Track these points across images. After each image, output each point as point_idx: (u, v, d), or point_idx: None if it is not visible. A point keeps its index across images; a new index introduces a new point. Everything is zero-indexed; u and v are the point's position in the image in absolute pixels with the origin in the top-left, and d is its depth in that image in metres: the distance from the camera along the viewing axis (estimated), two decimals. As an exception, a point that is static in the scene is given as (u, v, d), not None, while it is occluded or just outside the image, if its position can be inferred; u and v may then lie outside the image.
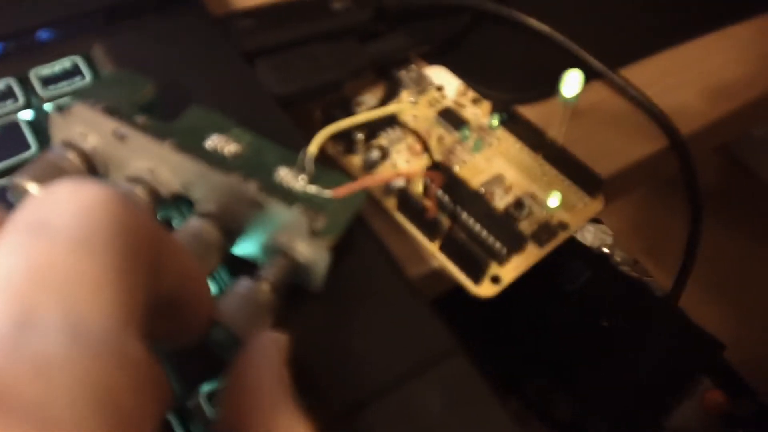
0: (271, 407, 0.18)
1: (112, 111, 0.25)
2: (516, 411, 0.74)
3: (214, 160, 0.25)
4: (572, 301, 0.80)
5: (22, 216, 0.15)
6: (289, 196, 0.25)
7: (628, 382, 0.51)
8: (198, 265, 0.19)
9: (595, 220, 0.91)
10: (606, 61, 0.39)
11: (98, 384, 0.13)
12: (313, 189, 0.25)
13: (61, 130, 0.25)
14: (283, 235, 0.24)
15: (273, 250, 0.24)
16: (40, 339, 0.13)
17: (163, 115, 0.27)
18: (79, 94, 0.26)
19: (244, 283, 0.23)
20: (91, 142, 0.25)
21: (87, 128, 0.25)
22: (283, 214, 0.23)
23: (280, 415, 0.18)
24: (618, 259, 0.89)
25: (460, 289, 0.31)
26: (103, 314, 0.14)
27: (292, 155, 0.26)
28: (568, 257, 0.83)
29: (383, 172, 0.33)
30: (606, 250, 0.90)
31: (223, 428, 0.19)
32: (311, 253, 0.24)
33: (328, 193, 0.25)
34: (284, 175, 0.26)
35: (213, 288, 0.26)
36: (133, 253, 0.15)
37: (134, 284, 0.15)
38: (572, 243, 0.86)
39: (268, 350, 0.20)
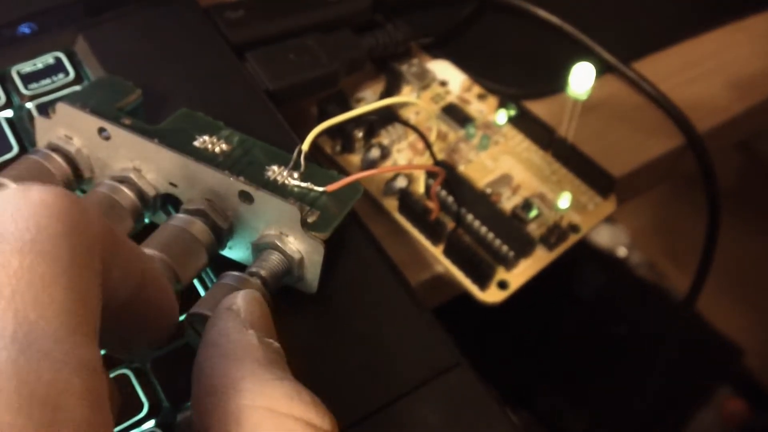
0: (221, 394, 0.16)
1: (97, 112, 0.25)
2: (527, 424, 0.72)
3: (203, 157, 0.25)
4: (585, 306, 0.79)
5: None
6: (280, 192, 0.24)
7: (642, 391, 0.50)
8: (158, 267, 0.19)
9: (610, 220, 0.90)
10: (619, 53, 0.38)
11: (46, 390, 0.13)
12: (305, 185, 0.25)
13: (45, 132, 0.25)
14: (274, 229, 0.23)
15: (263, 246, 0.23)
16: None
17: (149, 113, 0.27)
18: (63, 99, 0.26)
19: (231, 275, 0.22)
20: (75, 143, 0.25)
21: (72, 129, 0.25)
22: (273, 205, 0.23)
23: (233, 401, 0.16)
24: (634, 261, 0.87)
25: (467, 295, 0.30)
26: (53, 319, 0.14)
27: (283, 155, 0.26)
28: (581, 260, 0.82)
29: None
30: (621, 252, 0.88)
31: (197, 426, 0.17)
32: (304, 246, 0.23)
33: (320, 187, 0.25)
34: (275, 173, 0.25)
35: (201, 291, 0.25)
36: (83, 253, 0.15)
37: (85, 286, 0.15)
38: (585, 245, 0.85)
39: (220, 322, 0.18)
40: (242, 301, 0.19)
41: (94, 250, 0.16)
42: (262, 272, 0.22)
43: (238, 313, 0.19)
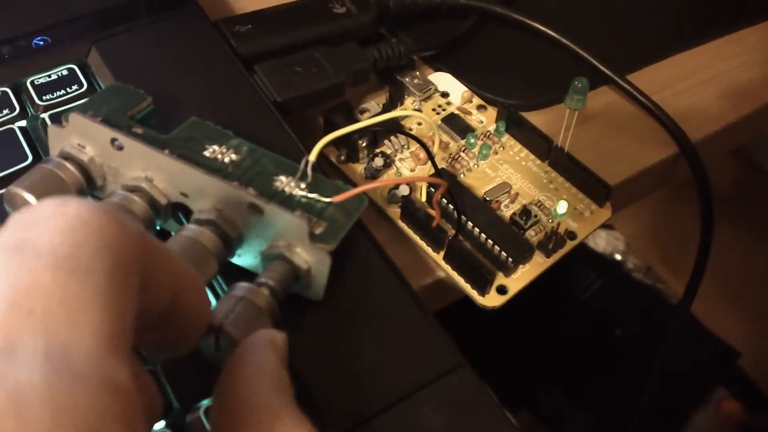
0: (268, 415, 0.18)
1: (109, 121, 0.25)
2: (527, 424, 0.73)
3: (213, 167, 0.25)
4: (584, 309, 0.80)
5: (4, 236, 0.15)
6: (288, 203, 0.25)
7: (640, 392, 0.51)
8: (195, 273, 0.19)
9: (608, 226, 0.90)
10: (616, 65, 0.39)
11: (80, 411, 0.13)
12: (312, 196, 0.25)
13: (59, 141, 0.26)
14: (283, 240, 0.24)
15: (272, 257, 0.24)
16: (20, 368, 0.13)
17: (160, 124, 0.28)
18: (76, 108, 0.27)
19: (242, 286, 0.23)
20: (88, 153, 0.25)
21: (84, 138, 0.25)
22: (282, 218, 0.23)
23: (278, 423, 0.17)
24: (631, 265, 0.88)
25: (468, 298, 0.30)
26: (87, 340, 0.14)
27: (291, 164, 0.26)
28: (580, 264, 0.83)
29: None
30: (618, 257, 0.89)
31: None
32: (311, 257, 0.24)
33: (327, 198, 0.25)
34: (283, 183, 0.26)
35: (211, 299, 0.26)
36: (120, 270, 0.15)
37: (122, 304, 0.15)
38: (584, 250, 0.86)
39: (263, 351, 0.19)
40: (281, 342, 0.20)
41: (132, 267, 0.15)
42: (271, 283, 0.23)
43: (277, 350, 0.19)
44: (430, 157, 0.31)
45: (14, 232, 0.15)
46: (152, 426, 0.18)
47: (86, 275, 0.14)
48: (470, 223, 0.31)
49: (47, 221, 0.15)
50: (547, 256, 0.31)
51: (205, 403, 0.23)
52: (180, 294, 0.18)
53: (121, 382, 0.14)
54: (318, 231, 0.24)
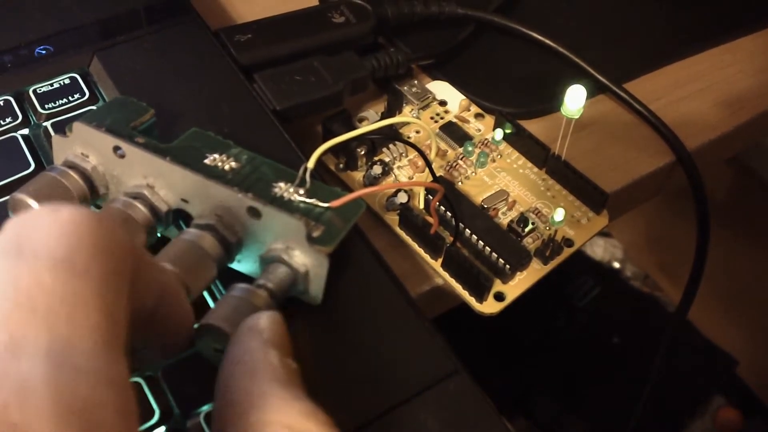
0: (245, 406, 0.18)
1: (112, 131, 0.25)
2: (525, 431, 0.73)
3: (214, 174, 0.25)
4: (582, 316, 0.80)
5: (1, 240, 0.15)
6: (286, 207, 0.25)
7: (637, 400, 0.51)
8: (176, 281, 0.19)
9: (605, 234, 0.90)
10: (612, 73, 0.39)
11: (83, 405, 0.13)
12: (310, 201, 0.25)
13: (63, 150, 0.26)
14: (281, 243, 0.24)
15: (270, 260, 0.24)
16: (24, 363, 0.13)
17: (160, 131, 0.28)
18: (80, 118, 0.27)
19: (240, 287, 0.23)
20: (91, 161, 0.26)
21: (88, 147, 0.26)
22: (280, 220, 0.24)
23: (254, 412, 0.17)
24: (628, 273, 0.88)
25: (466, 305, 0.31)
26: (87, 336, 0.14)
27: (290, 172, 0.26)
28: (577, 272, 0.83)
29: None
30: (616, 264, 0.89)
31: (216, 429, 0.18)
32: (309, 260, 0.24)
33: (325, 203, 0.25)
34: (282, 189, 0.26)
35: (209, 302, 0.26)
36: (113, 271, 0.16)
37: (116, 305, 0.15)
38: (581, 257, 0.86)
39: (242, 341, 0.19)
40: (266, 322, 0.20)
41: (122, 269, 0.16)
42: (269, 285, 0.23)
43: (261, 334, 0.19)
44: (428, 164, 0.31)
45: (11, 237, 0.15)
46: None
47: (84, 276, 0.15)
48: (468, 231, 0.31)
49: (42, 226, 0.15)
50: (545, 263, 0.31)
51: (206, 408, 0.23)
52: (163, 301, 0.18)
53: (118, 376, 0.14)
54: (316, 234, 0.24)
